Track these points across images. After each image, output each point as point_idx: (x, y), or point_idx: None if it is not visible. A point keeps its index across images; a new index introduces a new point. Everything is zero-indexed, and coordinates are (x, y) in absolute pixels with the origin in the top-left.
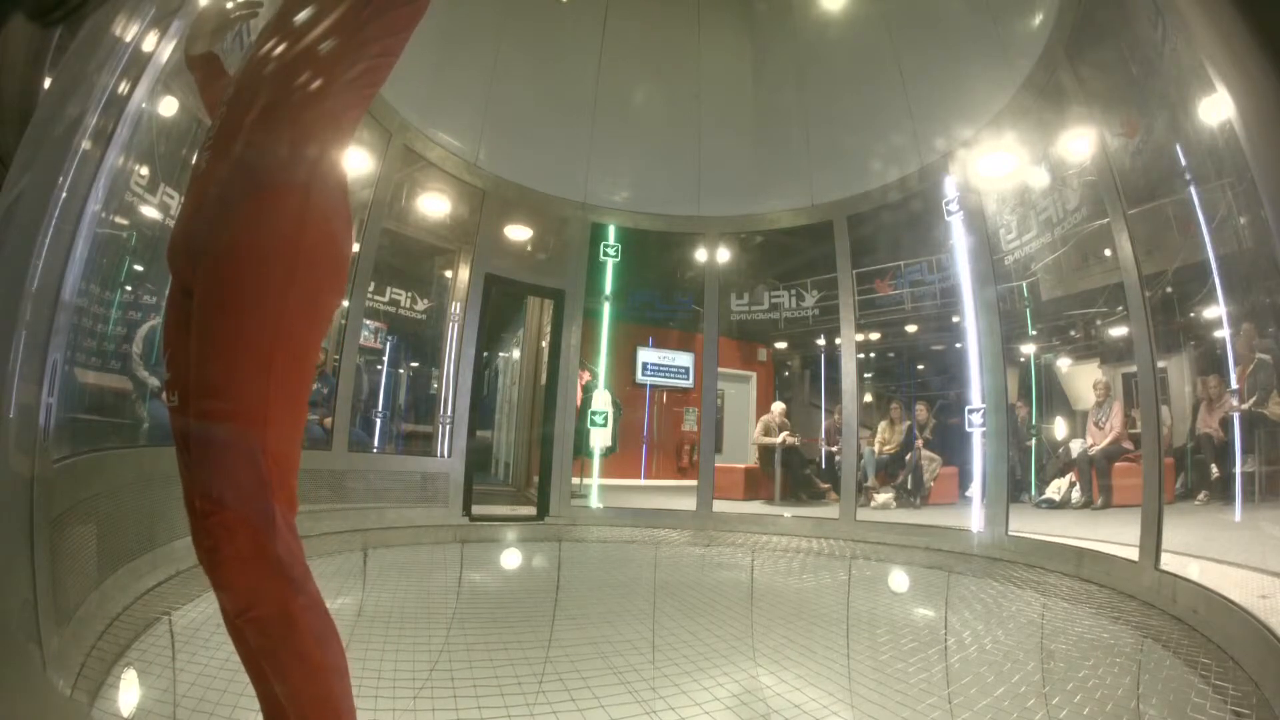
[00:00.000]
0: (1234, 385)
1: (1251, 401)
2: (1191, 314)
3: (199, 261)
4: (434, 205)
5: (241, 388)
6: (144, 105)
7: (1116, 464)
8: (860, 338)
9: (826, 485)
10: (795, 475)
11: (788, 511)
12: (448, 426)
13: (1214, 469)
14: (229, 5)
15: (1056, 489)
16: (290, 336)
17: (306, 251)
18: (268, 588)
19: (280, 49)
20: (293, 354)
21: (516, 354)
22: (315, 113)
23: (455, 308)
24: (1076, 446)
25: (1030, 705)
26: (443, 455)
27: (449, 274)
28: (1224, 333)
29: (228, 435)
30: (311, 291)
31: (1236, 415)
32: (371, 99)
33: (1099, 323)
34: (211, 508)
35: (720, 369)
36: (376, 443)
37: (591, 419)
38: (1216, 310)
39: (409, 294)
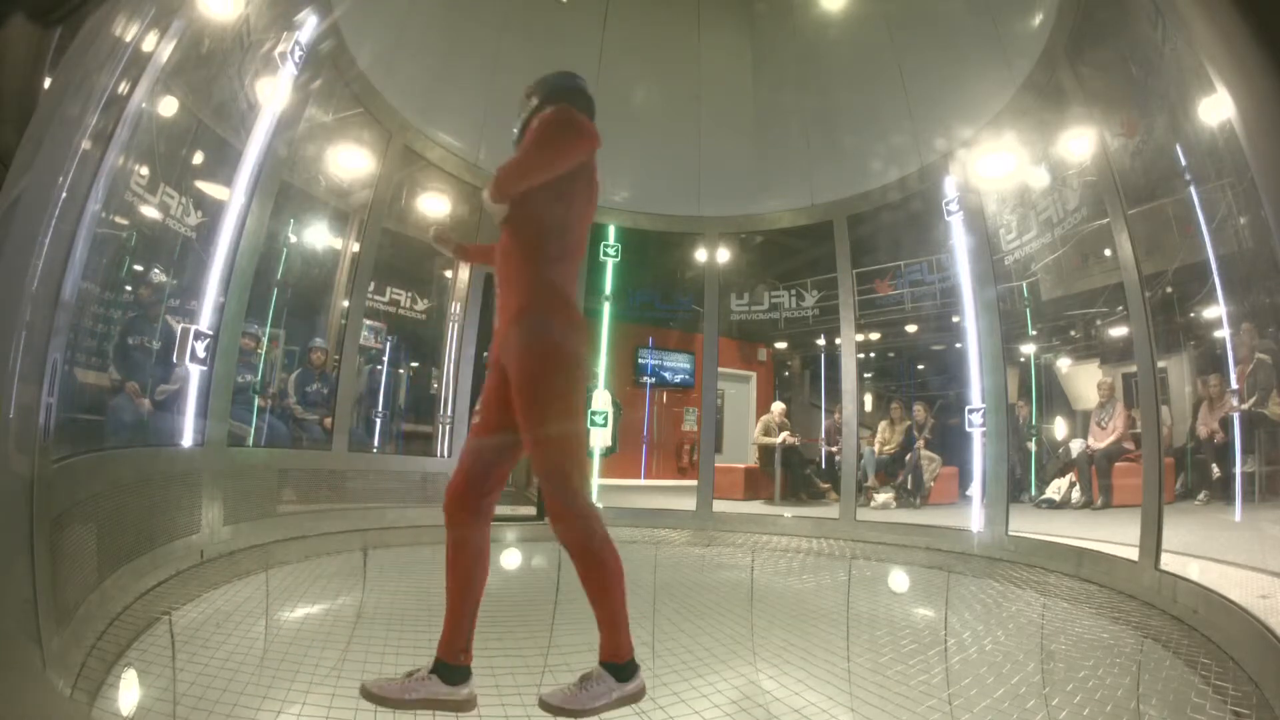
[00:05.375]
0: (1234, 385)
1: (1251, 401)
2: (1191, 314)
3: (510, 361)
4: (434, 205)
5: (556, 440)
6: (144, 105)
7: (1116, 464)
8: (860, 338)
9: (826, 485)
10: (795, 475)
11: (788, 511)
12: (447, 426)
13: (1214, 469)
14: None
15: (1056, 489)
16: (576, 405)
17: (577, 353)
18: (582, 536)
19: (527, 216)
20: (578, 416)
21: None
22: (565, 261)
23: (455, 308)
24: (1076, 446)
25: (1030, 706)
26: (443, 455)
27: (449, 274)
28: (1224, 333)
29: (555, 469)
30: (580, 376)
31: (1236, 415)
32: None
33: (1099, 323)
34: (560, 509)
35: (720, 369)
36: (376, 443)
37: (591, 419)
38: (1216, 310)
39: (409, 294)
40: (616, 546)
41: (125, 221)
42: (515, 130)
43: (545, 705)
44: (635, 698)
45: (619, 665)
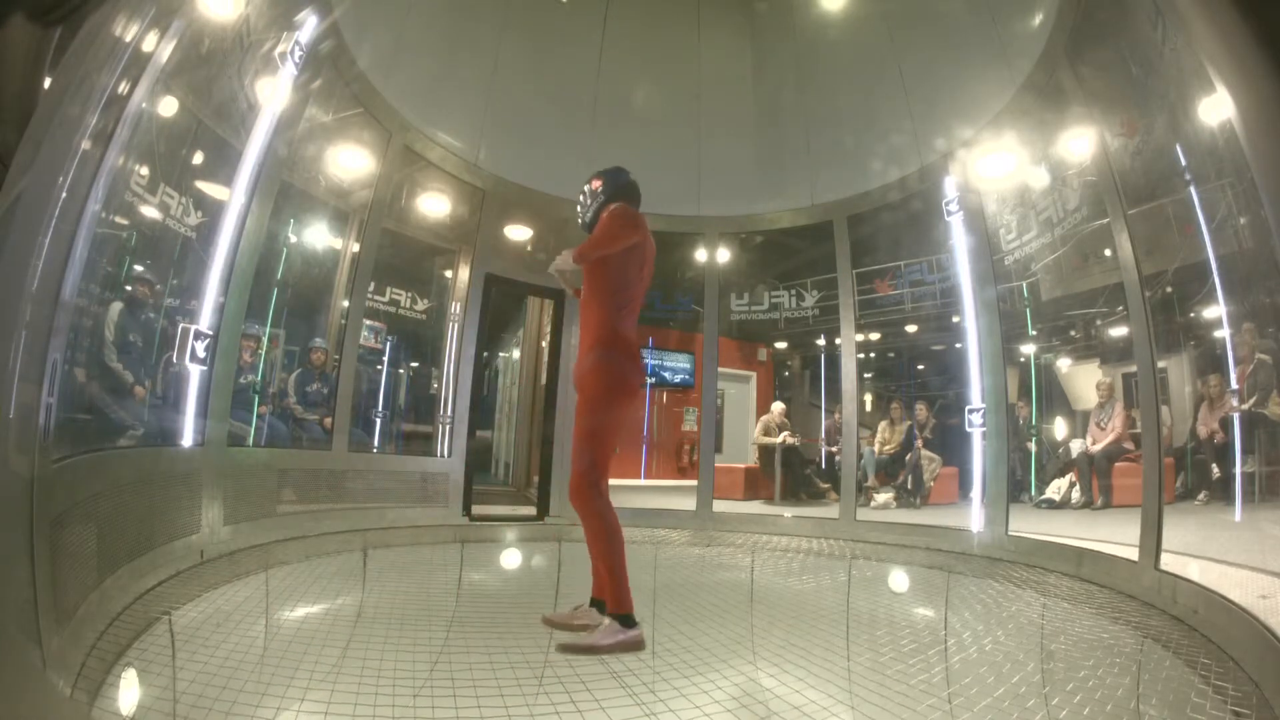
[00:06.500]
0: (1234, 385)
1: (1251, 401)
2: (1191, 314)
3: (580, 379)
4: (434, 205)
5: (594, 437)
6: (144, 105)
7: (1116, 464)
8: (860, 338)
9: (826, 485)
10: (795, 475)
11: (788, 511)
12: (448, 426)
13: (1214, 469)
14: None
15: (1056, 489)
16: (616, 417)
17: (629, 380)
18: (590, 505)
19: (601, 278)
20: (614, 423)
21: (516, 354)
22: (627, 310)
23: (455, 308)
24: (1076, 446)
25: (1030, 706)
26: (443, 455)
27: (449, 274)
28: (1224, 333)
29: (587, 455)
30: (625, 399)
31: (1236, 415)
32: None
33: (1099, 323)
34: (578, 478)
35: (720, 369)
36: (376, 442)
37: None
38: (1216, 310)
39: (409, 294)
40: (617, 514)
41: (125, 221)
42: (581, 212)
43: (563, 647)
44: (636, 644)
45: (622, 615)
